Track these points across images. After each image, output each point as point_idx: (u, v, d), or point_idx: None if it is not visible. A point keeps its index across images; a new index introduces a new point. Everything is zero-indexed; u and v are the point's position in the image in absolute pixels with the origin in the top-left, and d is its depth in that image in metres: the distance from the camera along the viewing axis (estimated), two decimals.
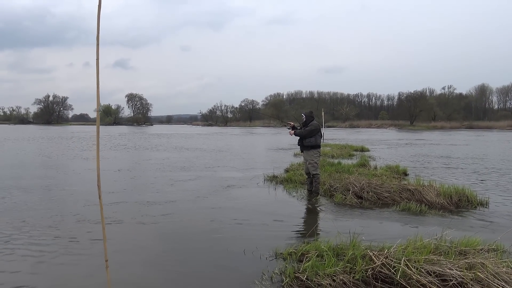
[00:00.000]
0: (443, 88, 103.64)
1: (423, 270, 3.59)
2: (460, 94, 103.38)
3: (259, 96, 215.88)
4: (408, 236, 4.62)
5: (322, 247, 4.36)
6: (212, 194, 8.47)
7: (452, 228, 5.20)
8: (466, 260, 3.77)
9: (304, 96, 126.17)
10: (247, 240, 5.20)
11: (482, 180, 10.72)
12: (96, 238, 5.19)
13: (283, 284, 3.74)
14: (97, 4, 2.40)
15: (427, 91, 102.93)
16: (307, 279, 3.67)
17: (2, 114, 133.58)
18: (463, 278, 3.45)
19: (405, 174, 11.32)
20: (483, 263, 3.64)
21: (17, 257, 4.58)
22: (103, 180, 9.46)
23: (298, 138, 8.44)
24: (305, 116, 8.36)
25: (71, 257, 4.56)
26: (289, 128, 8.67)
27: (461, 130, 67.45)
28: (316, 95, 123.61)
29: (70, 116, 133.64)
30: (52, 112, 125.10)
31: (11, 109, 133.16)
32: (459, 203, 7.36)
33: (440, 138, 37.75)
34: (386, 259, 3.82)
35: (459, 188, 7.76)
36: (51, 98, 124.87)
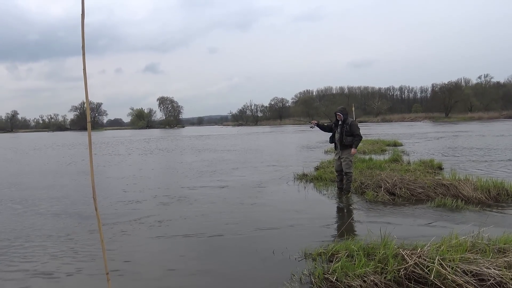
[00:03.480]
0: (479, 77, 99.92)
1: (458, 270, 3.45)
2: (498, 82, 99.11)
3: (289, 94, 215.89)
4: (443, 234, 4.46)
5: (352, 246, 4.26)
6: (241, 193, 8.48)
7: (490, 224, 4.98)
8: (505, 259, 3.60)
9: (334, 92, 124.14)
10: (276, 240, 5.17)
11: None
12: (110, 248, 5.16)
13: (312, 285, 3.68)
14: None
15: (462, 81, 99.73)
16: (337, 280, 3.59)
17: (41, 122, 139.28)
18: (502, 277, 3.29)
19: (440, 168, 10.95)
20: None
21: (15, 269, 4.49)
22: (134, 186, 9.69)
23: (331, 135, 8.36)
24: (342, 114, 8.12)
25: (79, 270, 4.50)
26: (312, 127, 8.52)
27: (500, 120, 64.77)
28: (346, 90, 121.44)
29: (105, 121, 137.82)
30: None
31: (49, 117, 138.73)
32: (498, 197, 7.05)
33: (477, 129, 36.38)
34: (419, 258, 3.69)
35: (497, 182, 7.43)
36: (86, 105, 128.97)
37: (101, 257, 4.65)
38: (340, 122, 8.13)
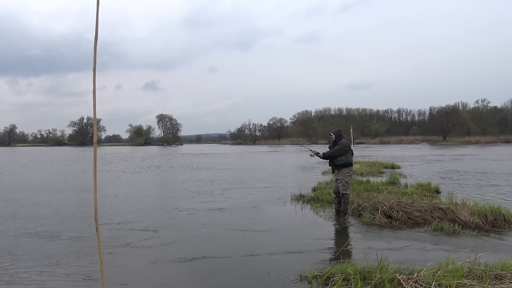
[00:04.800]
0: (477, 102, 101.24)
1: None
2: (495, 107, 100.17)
3: (287, 114, 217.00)
4: (440, 259, 4.43)
5: (349, 270, 4.22)
6: (237, 214, 8.43)
7: (487, 250, 4.96)
8: (501, 285, 3.57)
9: (332, 113, 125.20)
10: (272, 262, 5.11)
11: None
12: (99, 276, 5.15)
13: None
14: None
15: (460, 105, 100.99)
16: None
17: (39, 136, 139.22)
18: None
19: (437, 191, 10.95)
20: None
21: None
22: (126, 206, 9.58)
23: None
24: (335, 135, 8.25)
25: None
26: (312, 155, 8.52)
27: (497, 145, 65.04)
28: (344, 111, 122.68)
29: (103, 137, 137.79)
30: (86, 134, 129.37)
31: (47, 132, 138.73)
32: (495, 223, 7.02)
33: (475, 153, 36.48)
34: (415, 283, 3.67)
35: (495, 207, 7.41)
36: (85, 120, 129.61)
37: (88, 285, 4.53)
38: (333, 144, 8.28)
